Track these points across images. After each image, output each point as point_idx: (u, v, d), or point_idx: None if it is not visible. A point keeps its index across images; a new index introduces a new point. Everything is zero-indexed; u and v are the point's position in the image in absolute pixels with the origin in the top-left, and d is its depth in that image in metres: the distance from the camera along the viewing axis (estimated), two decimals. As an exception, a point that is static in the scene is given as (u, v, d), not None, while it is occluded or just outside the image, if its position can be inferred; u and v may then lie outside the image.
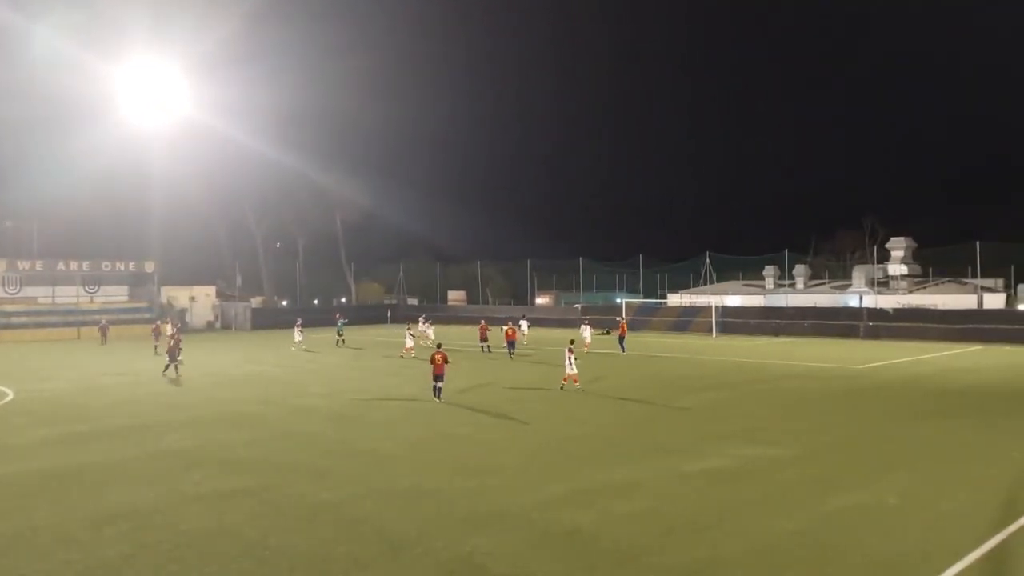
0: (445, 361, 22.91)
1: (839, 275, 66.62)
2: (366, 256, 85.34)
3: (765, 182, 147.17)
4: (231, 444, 16.84)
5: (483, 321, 41.74)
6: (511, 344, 36.29)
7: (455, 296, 78.57)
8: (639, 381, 27.60)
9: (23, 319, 53.72)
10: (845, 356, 35.46)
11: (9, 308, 54.41)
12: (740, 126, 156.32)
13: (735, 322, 51.57)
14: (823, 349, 39.37)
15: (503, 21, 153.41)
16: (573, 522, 11.04)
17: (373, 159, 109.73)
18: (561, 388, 24.65)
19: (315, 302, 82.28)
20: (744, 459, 14.92)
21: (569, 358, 24.59)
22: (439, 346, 24.88)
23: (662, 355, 37.13)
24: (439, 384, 22.80)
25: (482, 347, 38.91)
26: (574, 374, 24.57)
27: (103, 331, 48.04)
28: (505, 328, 37.46)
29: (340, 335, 45.41)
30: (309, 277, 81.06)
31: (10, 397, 24.49)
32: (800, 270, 61.27)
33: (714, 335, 48.64)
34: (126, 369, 32.84)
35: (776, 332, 48.77)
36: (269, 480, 13.60)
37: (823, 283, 62.89)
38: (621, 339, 38.26)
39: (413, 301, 79.14)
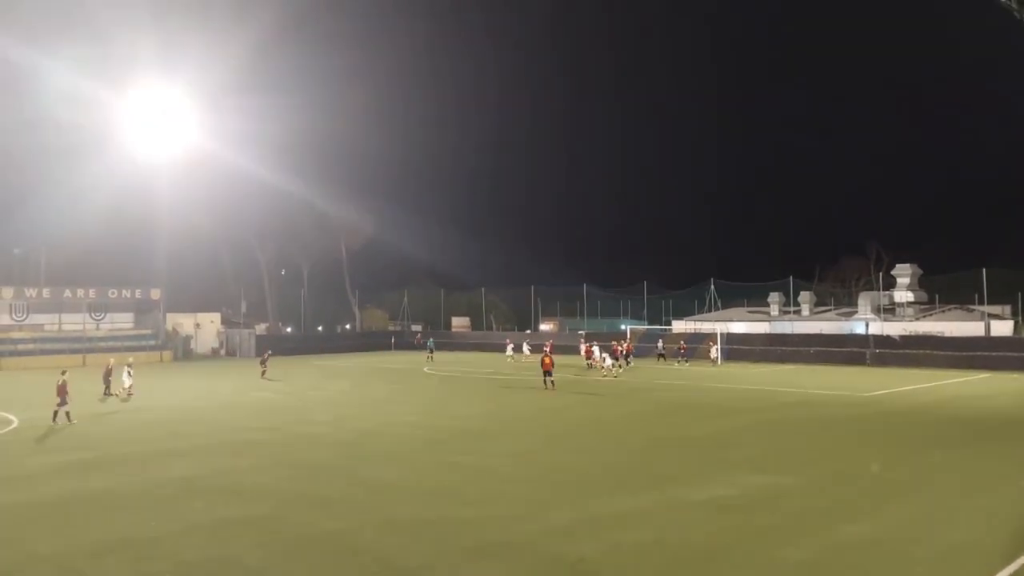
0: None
1: (844, 302, 66.55)
2: (370, 283, 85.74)
3: (769, 209, 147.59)
4: (234, 472, 16.77)
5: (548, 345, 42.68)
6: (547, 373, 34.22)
7: (459, 323, 78.60)
8: (643, 409, 27.46)
9: (30, 346, 53.78)
10: (851, 383, 35.26)
11: (16, 335, 54.51)
12: (744, 153, 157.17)
13: (740, 349, 51.40)
14: (829, 376, 39.17)
15: (507, 48, 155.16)
16: (579, 552, 10.94)
17: (376, 187, 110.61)
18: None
19: (319, 328, 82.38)
20: (751, 488, 14.80)
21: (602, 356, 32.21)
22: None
23: (666, 382, 36.99)
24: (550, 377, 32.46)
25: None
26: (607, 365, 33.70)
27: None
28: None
29: (431, 352, 51.17)
30: (314, 304, 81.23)
31: (15, 424, 24.46)
32: (805, 297, 61.23)
33: (720, 362, 48.46)
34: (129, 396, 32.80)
35: (782, 359, 48.61)
36: (272, 509, 13.52)
37: (828, 310, 62.80)
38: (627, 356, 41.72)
39: (417, 328, 79.16)
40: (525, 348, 46.64)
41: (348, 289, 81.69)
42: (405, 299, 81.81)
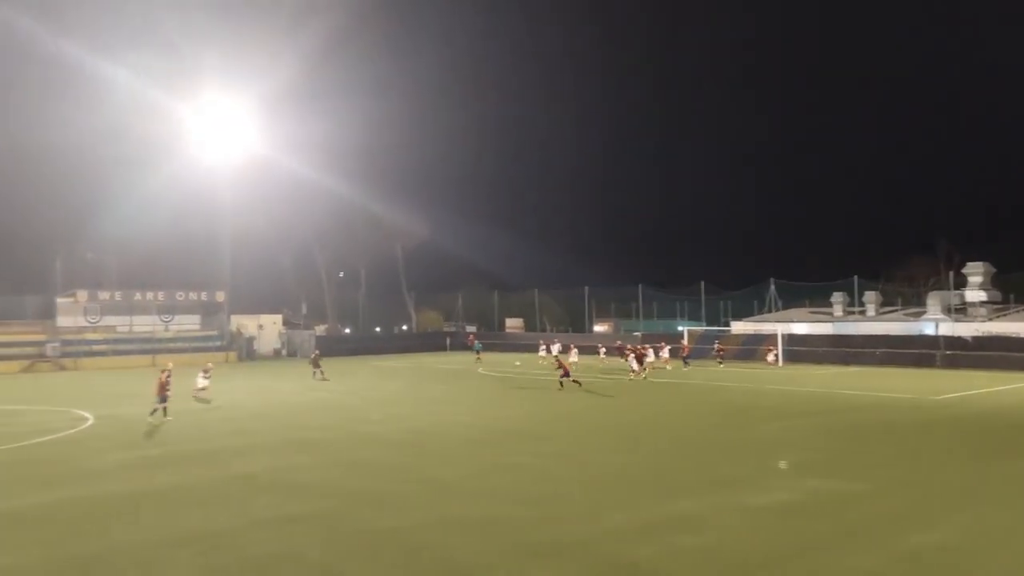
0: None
1: (913, 302, 64.39)
2: (425, 285, 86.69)
3: (833, 206, 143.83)
4: (294, 469, 17.17)
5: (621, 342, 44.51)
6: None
7: (512, 324, 78.81)
8: (701, 411, 27.10)
9: (103, 347, 55.94)
10: (920, 386, 34.15)
11: (90, 336, 56.81)
12: (806, 147, 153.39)
13: (802, 350, 50.25)
14: (896, 379, 38.02)
15: (552, 49, 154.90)
16: (635, 555, 10.88)
17: (430, 191, 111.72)
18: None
19: (377, 329, 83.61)
20: (813, 493, 14.48)
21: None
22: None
23: (725, 384, 36.43)
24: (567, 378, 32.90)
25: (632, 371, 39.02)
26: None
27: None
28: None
29: (478, 354, 51.84)
30: (371, 305, 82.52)
31: (90, 422, 25.49)
32: (871, 297, 59.42)
33: (780, 364, 47.49)
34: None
35: (846, 361, 47.37)
36: (333, 506, 13.80)
37: (895, 310, 60.87)
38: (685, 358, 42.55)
39: (471, 329, 79.70)
40: (555, 349, 47.21)
41: (404, 291, 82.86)
42: (459, 301, 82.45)
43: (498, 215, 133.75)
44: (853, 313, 59.12)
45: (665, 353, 45.21)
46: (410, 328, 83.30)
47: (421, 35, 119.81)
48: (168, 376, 25.90)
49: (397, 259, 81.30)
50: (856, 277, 59.43)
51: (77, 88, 64.10)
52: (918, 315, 56.19)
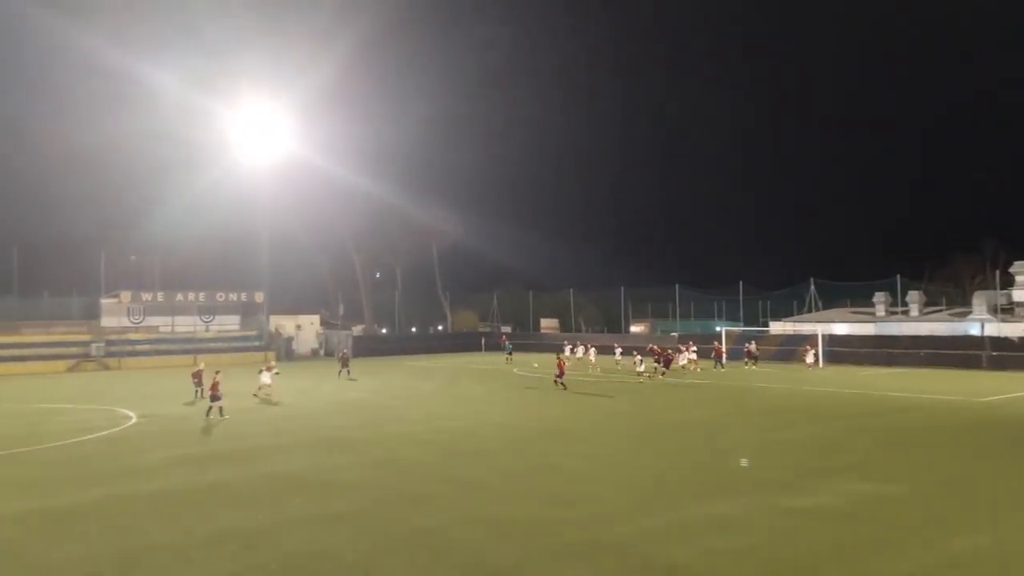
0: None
1: (958, 302, 62.94)
2: (460, 285, 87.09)
3: (875, 204, 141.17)
4: (332, 468, 17.35)
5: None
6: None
7: (547, 324, 78.72)
8: (738, 412, 26.78)
9: (146, 347, 57.11)
10: (965, 388, 33.35)
11: (134, 336, 58.07)
12: (846, 144, 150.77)
13: (843, 351, 49.40)
14: (941, 380, 37.19)
15: (590, 50, 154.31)
16: (671, 557, 10.79)
17: (465, 191, 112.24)
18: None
19: (413, 330, 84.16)
20: (854, 496, 14.22)
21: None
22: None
23: (763, 385, 35.96)
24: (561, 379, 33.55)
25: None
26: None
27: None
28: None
29: (509, 355, 52.22)
30: (407, 306, 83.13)
31: (133, 420, 26.04)
32: (914, 297, 58.20)
33: (820, 365, 46.73)
34: (236, 394, 34.39)
35: (888, 362, 46.44)
36: (368, 505, 13.92)
37: (940, 310, 59.55)
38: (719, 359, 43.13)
39: (507, 329, 79.80)
40: (580, 351, 47.27)
41: (439, 291, 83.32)
42: (494, 301, 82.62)
43: (534, 216, 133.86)
44: (896, 313, 57.98)
45: (689, 355, 44.15)
46: (445, 328, 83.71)
47: (456, 38, 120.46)
48: (217, 374, 26.67)
49: (432, 259, 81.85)
50: (899, 276, 58.30)
51: (122, 94, 65.78)
52: (963, 315, 54.90)
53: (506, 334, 64.68)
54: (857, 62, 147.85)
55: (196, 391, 31.81)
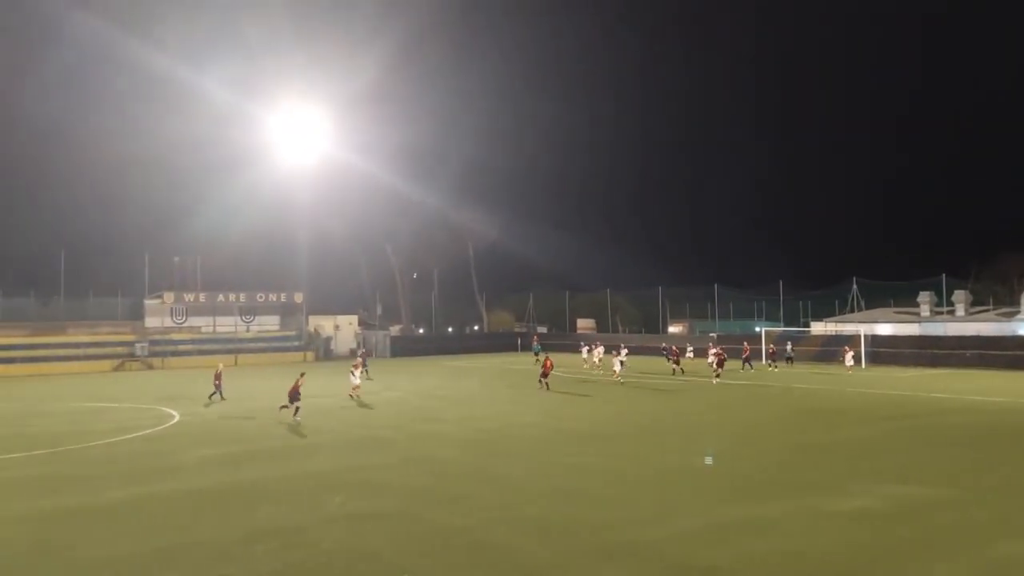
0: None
1: (1006, 301, 61.37)
2: (496, 285, 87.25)
3: (919, 201, 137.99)
4: (369, 467, 17.50)
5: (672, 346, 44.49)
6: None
7: (584, 324, 78.47)
8: (775, 414, 26.41)
9: (188, 347, 58.25)
10: (1013, 389, 32.45)
11: (176, 337, 59.27)
12: (890, 140, 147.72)
13: (886, 352, 48.43)
14: (988, 382, 36.24)
15: (627, 51, 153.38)
16: (709, 559, 10.68)
17: (501, 192, 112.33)
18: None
19: (449, 330, 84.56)
20: (896, 500, 13.93)
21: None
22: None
23: (804, 386, 35.41)
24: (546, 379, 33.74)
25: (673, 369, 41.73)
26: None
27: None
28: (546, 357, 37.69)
29: (536, 355, 50.67)
30: (443, 306, 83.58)
31: (176, 419, 26.57)
32: (960, 296, 56.85)
33: (863, 365, 45.85)
34: (277, 394, 34.89)
35: (933, 363, 45.38)
36: (404, 504, 14.01)
37: (987, 310, 58.12)
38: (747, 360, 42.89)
39: (543, 329, 79.75)
40: (598, 352, 47.05)
41: (476, 291, 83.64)
42: (530, 301, 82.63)
43: (571, 216, 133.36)
44: (941, 313, 56.69)
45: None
46: (481, 329, 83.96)
47: (492, 40, 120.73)
48: (301, 376, 26.09)
49: (469, 260, 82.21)
50: (944, 276, 56.97)
51: (165, 98, 67.28)
52: (1011, 315, 53.50)
53: (538, 335, 64.54)
54: (895, 53, 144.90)
55: (216, 392, 31.84)
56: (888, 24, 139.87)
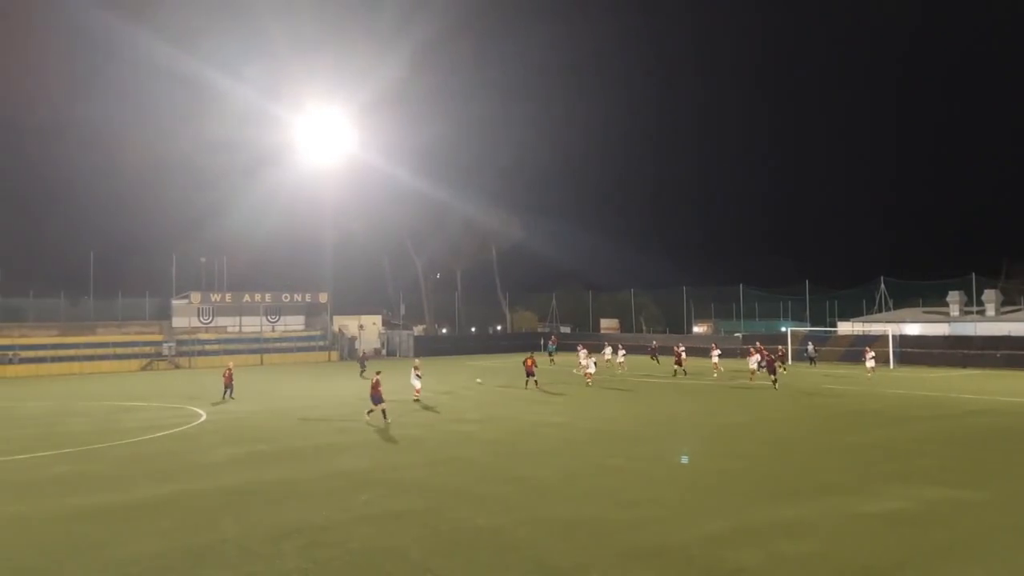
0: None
1: (1037, 301, 60.19)
2: (520, 285, 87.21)
3: (948, 198, 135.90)
4: (395, 467, 17.55)
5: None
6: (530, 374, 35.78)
7: (608, 324, 78.21)
8: (805, 414, 26.12)
9: (215, 346, 58.88)
10: (1046, 390, 31.83)
11: (203, 336, 59.93)
12: (917, 134, 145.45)
13: (915, 352, 47.78)
14: (1019, 383, 35.60)
15: (645, 51, 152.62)
16: (738, 561, 10.57)
17: (524, 192, 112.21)
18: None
19: (472, 330, 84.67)
20: (927, 502, 13.71)
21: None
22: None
23: (832, 387, 35.01)
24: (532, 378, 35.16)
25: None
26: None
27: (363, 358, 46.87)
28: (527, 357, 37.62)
29: (552, 355, 52.65)
30: (467, 306, 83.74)
31: (203, 418, 26.84)
32: (990, 295, 55.89)
33: (891, 366, 45.26)
34: (302, 393, 35.21)
35: (963, 363, 44.66)
36: (430, 503, 14.03)
37: (1018, 309, 57.05)
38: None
39: (566, 329, 79.57)
40: (616, 352, 46.77)
41: (499, 292, 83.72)
42: (553, 301, 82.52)
43: (594, 215, 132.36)
44: (971, 313, 55.78)
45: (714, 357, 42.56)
46: (504, 329, 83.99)
47: (515, 40, 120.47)
48: (378, 374, 25.55)
49: (492, 260, 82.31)
50: (974, 275, 56.03)
51: (192, 100, 68.14)
52: (1044, 314, 52.45)
53: (555, 335, 64.21)
54: (927, 45, 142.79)
55: (225, 392, 32.28)
56: (918, 13, 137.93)
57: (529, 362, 36.24)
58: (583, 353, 43.69)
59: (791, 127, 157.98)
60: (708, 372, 41.54)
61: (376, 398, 24.62)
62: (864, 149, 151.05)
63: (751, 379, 36.75)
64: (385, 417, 24.40)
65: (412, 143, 70.60)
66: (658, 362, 47.19)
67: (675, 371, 41.15)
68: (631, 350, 48.62)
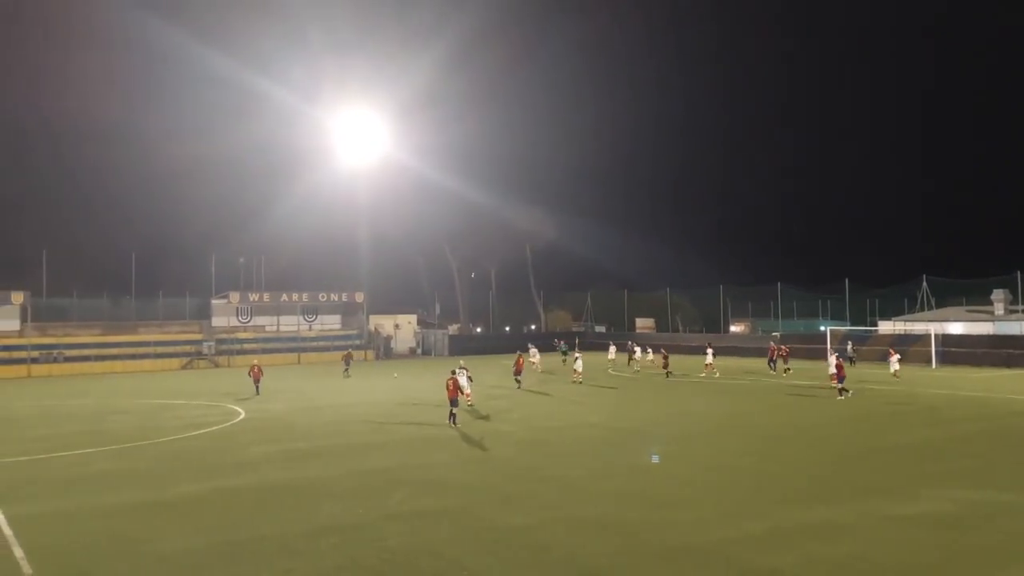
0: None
1: (1087, 298, 58.49)
2: (554, 284, 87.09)
3: (993, 193, 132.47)
4: (429, 465, 17.69)
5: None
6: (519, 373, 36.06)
7: (643, 324, 77.72)
8: (844, 415, 25.70)
9: (253, 345, 59.79)
10: (1096, 391, 30.91)
11: (242, 335, 60.91)
12: (961, 127, 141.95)
13: (958, 352, 46.68)
14: (1067, 383, 34.62)
15: (680, 50, 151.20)
16: (772, 564, 10.47)
17: (559, 191, 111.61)
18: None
19: (507, 329, 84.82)
20: (967, 504, 13.43)
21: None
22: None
23: (872, 387, 34.39)
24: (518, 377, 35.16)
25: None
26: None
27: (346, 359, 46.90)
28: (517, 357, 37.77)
29: (564, 355, 52.11)
30: (501, 305, 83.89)
31: (242, 416, 27.31)
32: (1036, 294, 54.44)
33: (933, 366, 44.33)
34: (337, 392, 35.63)
35: (1008, 363, 43.57)
36: (464, 502, 14.13)
37: (1065, 308, 55.49)
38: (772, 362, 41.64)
39: (601, 328, 79.26)
40: (639, 351, 46.30)
41: (533, 290, 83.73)
42: (588, 300, 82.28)
43: (629, 214, 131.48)
44: (1016, 312, 54.38)
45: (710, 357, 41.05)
46: (539, 328, 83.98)
47: (548, 41, 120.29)
48: (454, 373, 24.83)
49: (526, 259, 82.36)
50: (1019, 272, 54.60)
51: (231, 103, 69.38)
52: (1093, 313, 50.96)
53: (563, 338, 63.45)
54: (971, 36, 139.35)
55: (256, 389, 33.48)
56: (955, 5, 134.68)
57: (520, 361, 36.93)
58: (639, 351, 45.91)
59: (831, 123, 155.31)
60: (733, 372, 40.95)
61: (453, 400, 23.70)
62: (905, 147, 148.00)
63: (833, 383, 31.15)
64: (455, 422, 23.45)
65: (447, 142, 70.97)
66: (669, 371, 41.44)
67: (667, 374, 40.23)
68: (671, 351, 47.78)
